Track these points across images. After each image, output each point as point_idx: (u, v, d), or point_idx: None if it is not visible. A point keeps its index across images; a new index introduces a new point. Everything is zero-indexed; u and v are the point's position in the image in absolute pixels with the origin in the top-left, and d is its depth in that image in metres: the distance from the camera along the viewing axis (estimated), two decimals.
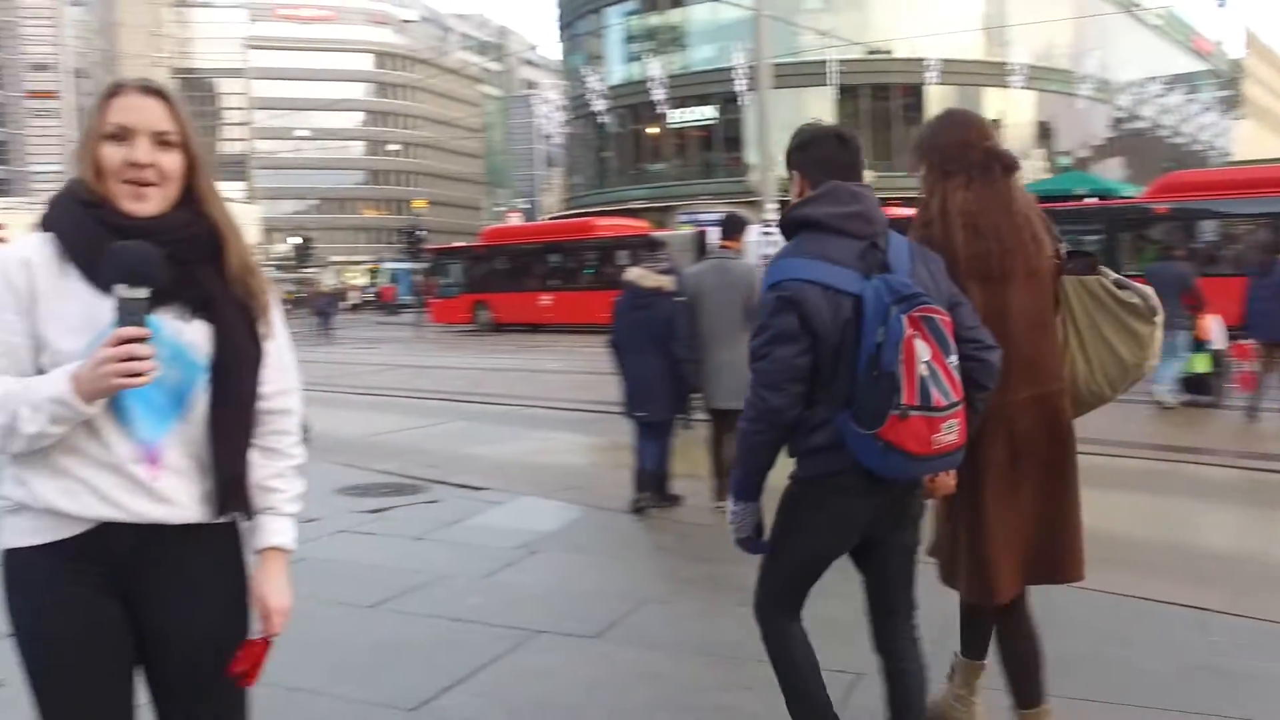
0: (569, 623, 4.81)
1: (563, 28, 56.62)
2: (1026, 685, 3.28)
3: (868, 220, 2.86)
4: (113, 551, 1.94)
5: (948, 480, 2.99)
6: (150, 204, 1.97)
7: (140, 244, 1.87)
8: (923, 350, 2.61)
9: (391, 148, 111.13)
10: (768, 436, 2.84)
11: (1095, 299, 3.29)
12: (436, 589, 5.45)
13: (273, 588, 2.11)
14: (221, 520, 2.05)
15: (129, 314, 1.80)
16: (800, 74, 39.76)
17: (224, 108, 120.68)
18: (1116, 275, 3.34)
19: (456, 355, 24.50)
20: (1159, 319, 3.27)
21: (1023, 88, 44.62)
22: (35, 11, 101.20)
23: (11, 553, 1.95)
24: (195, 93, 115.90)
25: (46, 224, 1.99)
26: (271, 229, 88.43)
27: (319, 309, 36.22)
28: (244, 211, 68.52)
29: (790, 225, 2.94)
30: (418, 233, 44.85)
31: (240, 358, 2.03)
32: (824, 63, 41.59)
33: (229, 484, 2.01)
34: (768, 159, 19.46)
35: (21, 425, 1.83)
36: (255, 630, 2.10)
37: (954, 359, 2.69)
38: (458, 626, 4.83)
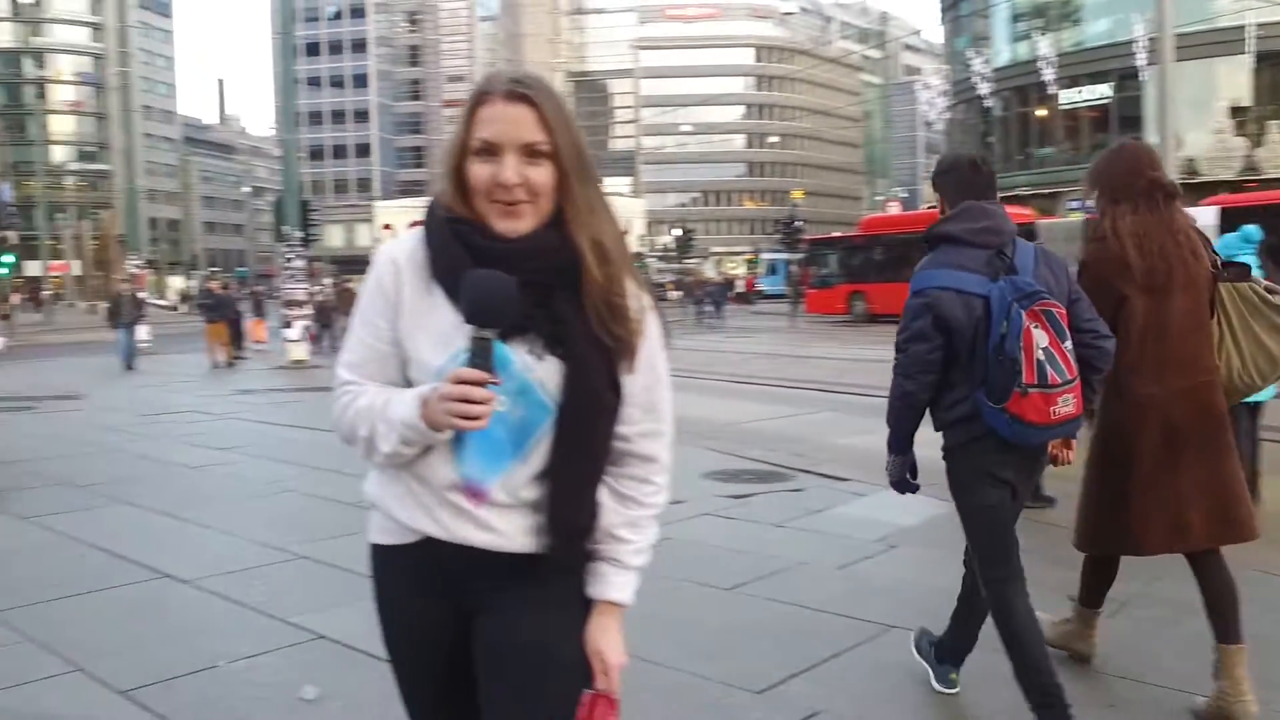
0: (923, 619, 4.70)
1: (945, 10, 55.01)
2: (1224, 624, 3.63)
3: (995, 233, 3.42)
4: (443, 565, 1.89)
5: (1068, 454, 3.74)
6: (523, 222, 1.81)
7: (495, 277, 1.73)
8: (1040, 338, 3.18)
9: (771, 140, 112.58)
10: (905, 413, 3.49)
11: (1248, 302, 3.85)
12: (793, 576, 5.52)
13: (608, 642, 1.93)
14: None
15: (474, 354, 1.71)
16: (1210, 43, 36.27)
17: (615, 107, 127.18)
18: (1267, 283, 3.94)
19: (829, 346, 24.50)
20: None
21: None
22: (453, 29, 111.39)
23: (373, 547, 2.01)
24: (589, 94, 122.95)
25: (425, 227, 1.92)
26: (656, 221, 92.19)
27: (703, 298, 37.48)
28: (630, 206, 71.93)
29: (932, 239, 3.53)
30: (795, 223, 45.13)
31: (592, 403, 1.83)
32: (1240, 28, 37.64)
33: (563, 533, 1.86)
34: (1170, 139, 17.90)
35: (379, 442, 1.84)
36: (592, 684, 1.94)
37: (1069, 344, 3.25)
38: (811, 615, 4.87)
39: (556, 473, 1.84)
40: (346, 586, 5.15)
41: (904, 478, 3.63)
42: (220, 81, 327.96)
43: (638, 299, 1.88)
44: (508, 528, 1.85)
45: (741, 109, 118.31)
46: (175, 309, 60.61)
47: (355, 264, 66.47)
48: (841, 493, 7.62)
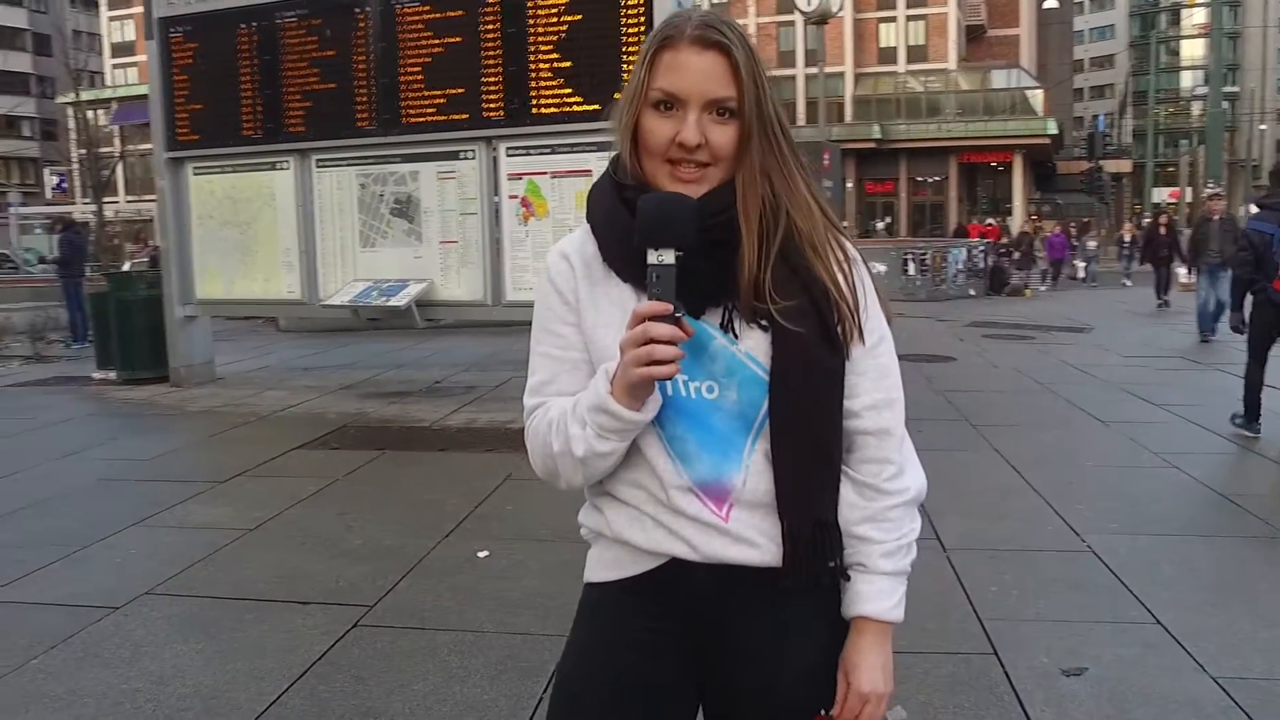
0: None
1: None
2: None
3: None
4: (690, 593, 1.61)
5: None
6: (699, 188, 1.57)
7: (668, 195, 1.53)
8: None
9: None
10: (1237, 286, 8.12)
11: None
12: None
13: (860, 664, 1.59)
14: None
15: (652, 285, 1.47)
16: None
17: None
18: None
19: None
20: None
21: None
22: None
23: (589, 586, 1.73)
24: None
25: (588, 214, 1.70)
26: None
27: None
28: None
29: (1259, 206, 8.21)
30: None
31: (807, 367, 1.55)
32: None
33: (799, 530, 1.56)
34: None
35: (574, 447, 1.58)
36: (832, 707, 1.61)
37: None
38: None
39: (781, 458, 1.56)
40: None
41: (1239, 325, 8.08)
42: None
43: (839, 251, 1.61)
44: (760, 538, 1.58)
45: None
46: None
47: None
48: None
